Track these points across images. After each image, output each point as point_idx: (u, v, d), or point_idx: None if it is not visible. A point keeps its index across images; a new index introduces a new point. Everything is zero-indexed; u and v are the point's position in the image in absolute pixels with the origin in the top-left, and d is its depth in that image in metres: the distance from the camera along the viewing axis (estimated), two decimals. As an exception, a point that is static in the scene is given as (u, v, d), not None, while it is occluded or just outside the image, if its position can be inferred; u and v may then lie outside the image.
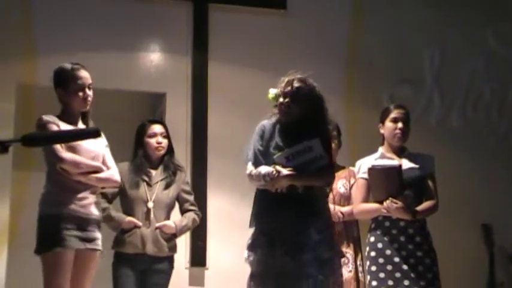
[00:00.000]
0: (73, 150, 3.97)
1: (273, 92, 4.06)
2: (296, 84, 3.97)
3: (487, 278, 5.86)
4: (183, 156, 5.42)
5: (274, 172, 3.87)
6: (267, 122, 4.07)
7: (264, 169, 3.91)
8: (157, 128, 4.77)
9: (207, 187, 5.76)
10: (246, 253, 4.00)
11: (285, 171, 3.87)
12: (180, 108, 5.87)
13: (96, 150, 4.05)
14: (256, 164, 3.97)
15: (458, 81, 6.57)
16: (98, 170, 4.02)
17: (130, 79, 5.87)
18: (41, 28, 5.73)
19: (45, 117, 3.99)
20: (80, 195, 3.98)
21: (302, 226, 3.85)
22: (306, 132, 3.94)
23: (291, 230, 3.84)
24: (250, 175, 3.98)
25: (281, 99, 3.99)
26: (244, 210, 5.84)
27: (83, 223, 3.97)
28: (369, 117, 5.52)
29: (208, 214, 5.66)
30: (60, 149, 3.93)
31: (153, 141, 4.74)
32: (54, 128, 3.92)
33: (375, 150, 4.63)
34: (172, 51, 6.00)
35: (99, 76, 5.47)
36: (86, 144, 3.97)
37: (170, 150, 4.81)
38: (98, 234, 4.05)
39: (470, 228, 6.07)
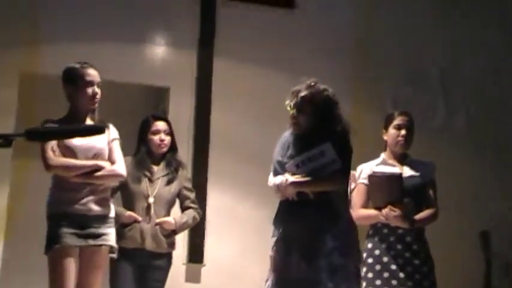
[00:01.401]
0: (70, 151, 3.98)
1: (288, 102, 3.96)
2: (301, 93, 3.90)
3: (483, 285, 5.86)
4: (184, 151, 5.40)
5: (284, 181, 3.86)
6: (287, 133, 4.02)
7: (278, 179, 3.91)
8: (161, 125, 4.76)
9: (207, 183, 5.75)
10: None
11: (291, 179, 3.85)
12: (184, 103, 5.85)
13: (97, 146, 4.04)
14: (276, 175, 3.95)
15: (462, 82, 6.53)
16: (97, 169, 4.02)
17: (134, 72, 5.85)
18: (45, 17, 5.70)
19: (47, 120, 4.00)
20: (79, 194, 3.99)
21: (317, 232, 3.82)
22: (318, 140, 3.88)
23: (306, 236, 3.81)
24: (270, 186, 3.97)
25: (290, 111, 3.94)
26: (243, 209, 5.88)
27: (84, 220, 3.99)
28: (372, 120, 5.50)
29: (207, 211, 5.66)
30: (51, 155, 3.95)
31: (156, 138, 4.73)
32: None
33: (377, 155, 4.62)
34: (178, 46, 5.97)
35: (102, 68, 5.46)
36: (84, 142, 3.96)
37: (173, 147, 4.80)
38: (106, 230, 4.06)
39: (468, 236, 6.06)
